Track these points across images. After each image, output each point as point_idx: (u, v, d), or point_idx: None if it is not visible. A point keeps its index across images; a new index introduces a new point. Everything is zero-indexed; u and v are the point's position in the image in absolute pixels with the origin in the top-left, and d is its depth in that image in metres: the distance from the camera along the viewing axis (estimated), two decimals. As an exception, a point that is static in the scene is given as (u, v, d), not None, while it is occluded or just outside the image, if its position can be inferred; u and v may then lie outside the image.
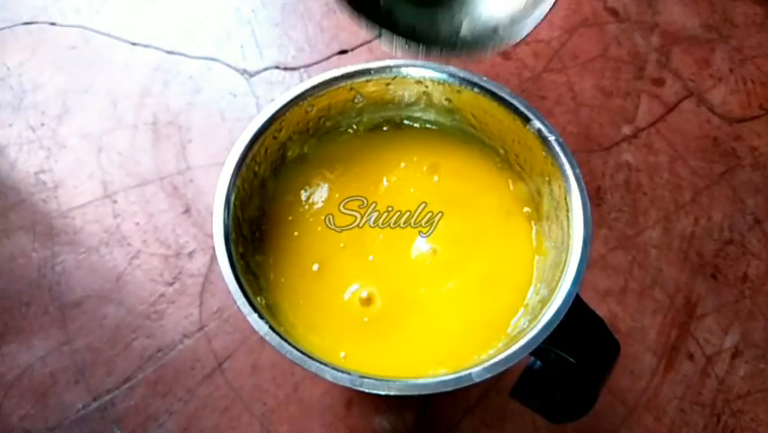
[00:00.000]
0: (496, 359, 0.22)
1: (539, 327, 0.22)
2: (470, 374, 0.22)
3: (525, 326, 0.25)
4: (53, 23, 0.47)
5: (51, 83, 0.44)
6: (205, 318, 0.35)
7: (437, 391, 0.22)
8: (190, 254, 0.37)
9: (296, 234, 0.29)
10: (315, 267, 0.28)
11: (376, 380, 0.22)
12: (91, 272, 0.36)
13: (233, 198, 0.26)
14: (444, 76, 0.29)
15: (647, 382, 0.33)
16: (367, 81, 0.29)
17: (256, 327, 0.23)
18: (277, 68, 0.44)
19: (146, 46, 0.46)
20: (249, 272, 0.26)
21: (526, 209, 0.30)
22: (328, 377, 0.22)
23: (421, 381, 0.22)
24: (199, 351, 0.34)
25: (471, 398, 0.33)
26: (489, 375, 0.22)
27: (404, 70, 0.29)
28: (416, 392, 0.22)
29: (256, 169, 0.28)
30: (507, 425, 0.32)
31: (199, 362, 0.34)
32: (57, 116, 0.42)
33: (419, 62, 0.29)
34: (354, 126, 0.32)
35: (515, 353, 0.22)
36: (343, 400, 0.33)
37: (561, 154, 0.26)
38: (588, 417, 0.24)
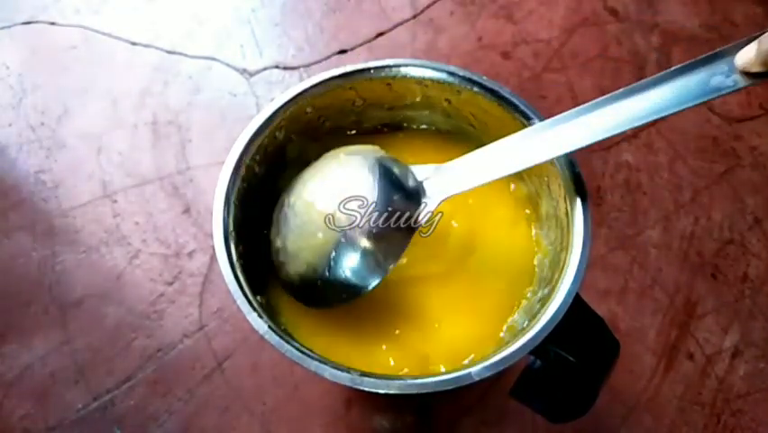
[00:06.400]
0: (496, 358, 0.22)
1: (539, 326, 0.22)
2: (469, 373, 0.22)
3: (523, 325, 0.25)
4: (53, 23, 0.47)
5: (51, 83, 0.44)
6: (205, 318, 0.35)
7: (437, 390, 0.22)
8: (190, 254, 0.37)
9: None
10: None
11: (376, 379, 0.22)
12: (91, 272, 0.36)
13: (233, 197, 0.26)
14: (444, 76, 0.29)
15: (647, 382, 0.33)
16: (367, 81, 0.29)
17: (256, 327, 0.23)
18: (276, 67, 0.44)
19: (146, 46, 0.46)
20: (249, 272, 0.26)
21: (526, 210, 0.30)
22: (327, 376, 0.22)
23: (421, 380, 0.22)
24: (199, 351, 0.34)
25: (471, 398, 0.33)
26: (488, 374, 0.22)
27: (404, 70, 0.29)
28: (415, 392, 0.21)
29: (256, 168, 0.28)
30: (507, 425, 0.32)
31: (199, 362, 0.34)
32: (57, 116, 0.42)
33: (419, 62, 0.29)
34: (355, 131, 0.32)
35: (515, 352, 0.22)
36: (343, 400, 0.33)
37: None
38: (588, 417, 0.24)
